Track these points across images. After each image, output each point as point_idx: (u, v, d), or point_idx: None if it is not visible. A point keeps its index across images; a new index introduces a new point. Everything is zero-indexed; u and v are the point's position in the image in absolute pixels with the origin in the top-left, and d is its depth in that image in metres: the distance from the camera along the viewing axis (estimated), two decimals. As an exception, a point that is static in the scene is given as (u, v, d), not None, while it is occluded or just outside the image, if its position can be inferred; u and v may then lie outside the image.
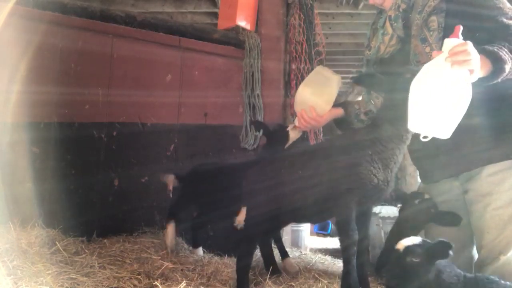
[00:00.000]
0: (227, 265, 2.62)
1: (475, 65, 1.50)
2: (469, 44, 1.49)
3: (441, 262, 1.55)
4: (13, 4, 2.62)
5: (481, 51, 1.58)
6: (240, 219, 2.17)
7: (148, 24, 3.41)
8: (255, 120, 3.36)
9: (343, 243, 1.83)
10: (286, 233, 3.46)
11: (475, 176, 1.93)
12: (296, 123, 2.41)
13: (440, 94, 1.47)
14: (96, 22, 3.23)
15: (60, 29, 3.10)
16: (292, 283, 2.13)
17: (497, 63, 1.59)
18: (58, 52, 3.09)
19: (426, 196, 2.17)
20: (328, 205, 1.94)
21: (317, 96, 2.22)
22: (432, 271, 1.54)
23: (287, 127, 2.66)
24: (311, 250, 3.42)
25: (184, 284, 1.84)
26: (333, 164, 1.90)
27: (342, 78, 9.09)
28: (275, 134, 2.70)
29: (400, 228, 2.22)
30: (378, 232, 4.54)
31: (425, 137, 1.59)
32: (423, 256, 1.53)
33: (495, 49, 1.61)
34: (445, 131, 1.54)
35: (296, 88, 3.56)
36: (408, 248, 1.55)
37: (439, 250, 1.51)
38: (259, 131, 3.05)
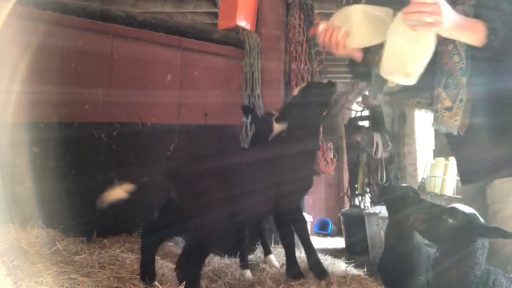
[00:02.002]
0: (227, 265, 2.63)
1: (435, 23, 1.43)
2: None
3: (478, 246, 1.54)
4: (13, 4, 2.62)
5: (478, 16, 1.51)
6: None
7: (148, 24, 3.41)
8: (244, 105, 3.24)
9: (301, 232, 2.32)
10: (286, 233, 3.45)
11: (490, 181, 1.87)
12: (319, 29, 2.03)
13: (403, 44, 1.51)
14: (96, 22, 3.22)
15: (60, 29, 3.10)
16: (292, 283, 2.13)
17: (490, 23, 1.49)
18: (58, 52, 3.09)
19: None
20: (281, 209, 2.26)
21: (361, 29, 1.87)
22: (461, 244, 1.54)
23: (272, 115, 2.58)
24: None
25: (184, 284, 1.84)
26: (284, 172, 2.16)
27: (342, 78, 9.10)
28: (260, 125, 2.68)
29: (399, 228, 2.19)
30: (378, 232, 4.53)
31: (392, 82, 1.69)
32: (461, 224, 1.53)
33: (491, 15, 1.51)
34: (408, 79, 1.57)
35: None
36: (453, 209, 1.57)
37: (488, 231, 1.51)
38: (247, 117, 3.00)
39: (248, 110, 2.95)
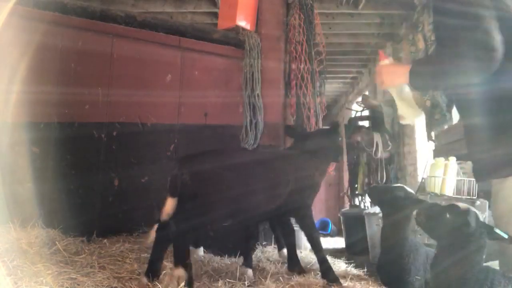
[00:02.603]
0: (228, 265, 2.63)
1: (388, 81, 1.89)
2: (380, 67, 1.91)
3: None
4: (13, 4, 2.62)
5: None
6: (167, 211, 2.04)
7: (148, 24, 3.41)
8: (288, 126, 3.42)
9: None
10: (286, 233, 3.46)
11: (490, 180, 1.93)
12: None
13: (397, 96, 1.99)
14: (96, 22, 3.22)
15: (60, 29, 3.10)
16: (293, 283, 2.14)
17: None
18: (58, 52, 3.09)
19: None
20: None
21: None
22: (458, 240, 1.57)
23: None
24: (311, 250, 3.42)
25: (184, 284, 1.84)
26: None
27: (342, 78, 9.09)
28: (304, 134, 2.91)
29: (393, 229, 2.20)
30: (378, 232, 4.52)
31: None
32: (459, 222, 1.56)
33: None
34: (404, 121, 2.06)
35: (296, 88, 3.56)
36: (453, 206, 1.62)
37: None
38: (291, 136, 3.16)
39: (292, 131, 3.14)
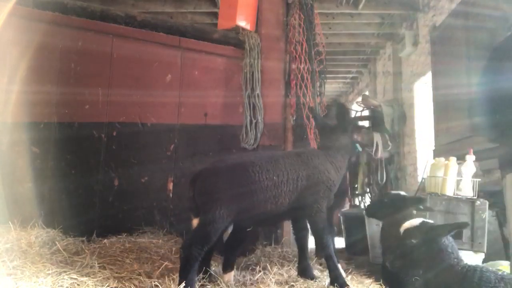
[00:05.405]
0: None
1: None
2: None
3: (445, 243, 1.65)
4: (13, 4, 2.62)
5: None
6: None
7: (148, 24, 3.42)
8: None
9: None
10: (286, 233, 3.46)
11: None
12: None
13: None
14: (96, 22, 3.23)
15: (60, 29, 3.11)
16: (293, 283, 2.14)
17: None
18: (58, 52, 3.10)
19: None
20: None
21: None
22: (434, 250, 1.66)
23: None
24: (311, 250, 3.41)
25: (184, 284, 1.85)
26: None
27: (342, 78, 9.06)
28: None
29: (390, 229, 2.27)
30: (378, 232, 4.51)
31: None
32: (421, 237, 1.67)
33: None
34: None
35: (296, 88, 3.56)
36: (407, 231, 1.71)
37: (439, 230, 1.66)
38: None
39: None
